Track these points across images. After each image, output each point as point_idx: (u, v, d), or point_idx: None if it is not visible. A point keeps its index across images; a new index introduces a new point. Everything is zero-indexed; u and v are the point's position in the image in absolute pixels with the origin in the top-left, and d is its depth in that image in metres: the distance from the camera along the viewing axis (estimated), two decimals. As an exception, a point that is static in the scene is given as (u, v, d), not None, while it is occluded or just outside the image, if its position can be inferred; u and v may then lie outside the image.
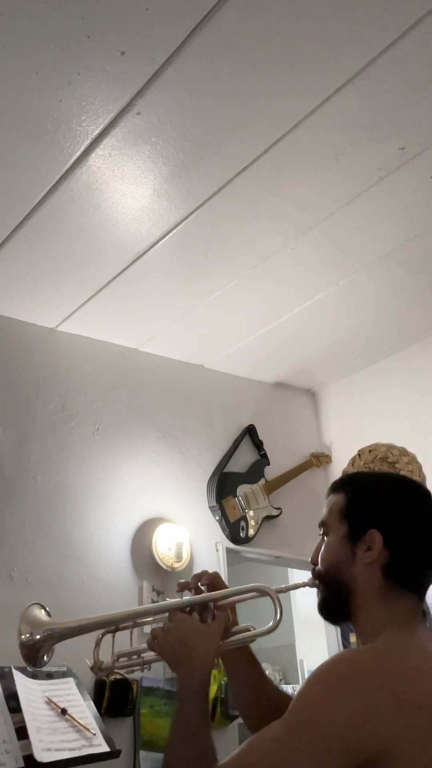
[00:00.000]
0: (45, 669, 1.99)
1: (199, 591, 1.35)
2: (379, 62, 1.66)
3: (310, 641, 3.19)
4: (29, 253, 2.25)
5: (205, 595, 1.33)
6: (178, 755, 1.12)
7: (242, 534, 2.88)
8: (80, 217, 2.11)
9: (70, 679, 2.01)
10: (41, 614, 1.33)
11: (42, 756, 1.65)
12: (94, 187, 2.00)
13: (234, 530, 2.85)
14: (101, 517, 2.55)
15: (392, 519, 1.22)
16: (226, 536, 2.84)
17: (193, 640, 1.22)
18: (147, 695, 2.36)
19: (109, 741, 1.86)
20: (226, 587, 1.39)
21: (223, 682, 2.46)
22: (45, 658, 1.30)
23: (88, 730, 1.83)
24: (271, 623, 1.27)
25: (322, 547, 1.28)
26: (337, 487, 1.32)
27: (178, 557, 2.60)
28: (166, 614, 1.29)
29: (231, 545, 2.84)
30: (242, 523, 2.89)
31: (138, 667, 1.33)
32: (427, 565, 1.22)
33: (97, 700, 2.20)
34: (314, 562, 1.29)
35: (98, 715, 1.96)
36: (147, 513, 2.66)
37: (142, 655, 1.33)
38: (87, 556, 2.46)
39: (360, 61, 1.66)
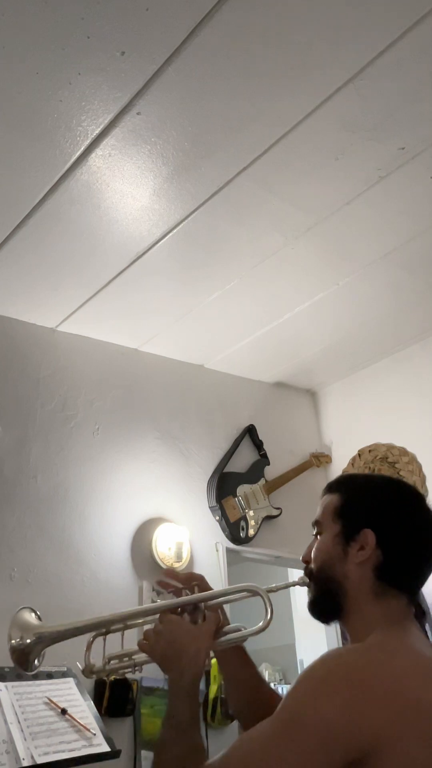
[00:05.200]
0: (45, 669, 2.00)
1: (192, 590, 1.35)
2: (379, 62, 1.66)
3: (310, 641, 3.18)
4: (29, 253, 2.25)
5: (196, 595, 1.33)
6: (169, 754, 1.13)
7: (242, 534, 2.88)
8: (80, 217, 2.11)
9: (70, 679, 2.01)
10: (31, 618, 1.33)
11: (40, 759, 1.66)
12: (94, 187, 2.00)
13: (234, 530, 2.85)
14: (101, 517, 2.55)
15: (386, 520, 1.22)
16: (226, 536, 2.84)
17: (184, 641, 1.22)
18: (147, 695, 2.36)
19: (109, 741, 1.86)
20: (212, 589, 1.39)
21: (222, 683, 2.46)
22: (36, 662, 1.29)
23: (88, 730, 1.83)
24: (261, 623, 1.27)
25: (315, 546, 1.28)
26: (333, 487, 1.33)
27: (178, 557, 2.60)
28: (157, 616, 1.29)
29: (231, 545, 2.85)
30: (242, 523, 2.89)
31: (130, 669, 1.33)
32: (419, 567, 1.22)
33: (97, 700, 2.20)
34: (306, 561, 1.29)
35: (98, 715, 1.95)
36: (147, 513, 2.66)
37: (133, 657, 1.33)
38: (87, 556, 2.46)
39: (360, 61, 1.66)
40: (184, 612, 1.29)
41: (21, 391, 2.54)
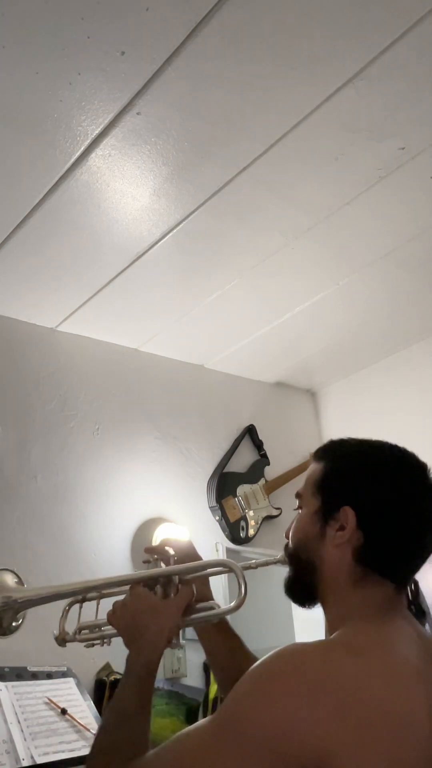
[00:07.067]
0: (45, 669, 2.00)
1: (167, 560, 1.30)
2: (379, 62, 1.66)
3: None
4: (29, 253, 2.25)
5: (170, 568, 1.27)
6: (106, 741, 1.05)
7: (242, 534, 2.88)
8: (80, 217, 2.11)
9: (70, 679, 2.02)
10: (7, 580, 1.31)
11: (40, 759, 1.66)
12: (94, 187, 2.00)
13: (234, 530, 2.85)
14: (101, 517, 2.55)
15: (369, 496, 1.07)
16: (226, 536, 2.84)
17: (147, 616, 1.15)
18: (147, 695, 2.35)
19: (109, 741, 1.86)
20: (200, 559, 1.33)
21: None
22: (13, 624, 1.27)
23: (88, 730, 1.83)
24: (234, 602, 1.19)
25: (294, 521, 1.19)
26: (318, 455, 1.20)
27: (178, 557, 2.60)
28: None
29: (231, 545, 2.84)
30: (242, 523, 2.89)
31: (99, 641, 1.29)
32: (407, 552, 1.08)
33: (97, 700, 2.20)
34: (287, 536, 1.20)
35: (98, 715, 1.96)
36: (147, 513, 2.66)
37: (102, 628, 1.29)
38: (87, 555, 2.46)
39: (360, 61, 1.66)
40: (157, 584, 1.22)
41: (21, 391, 2.54)
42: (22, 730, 1.73)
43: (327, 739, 0.86)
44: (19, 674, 1.93)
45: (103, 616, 1.27)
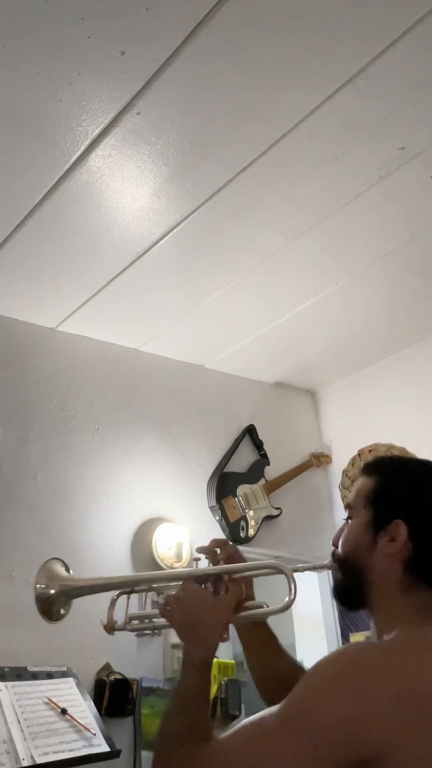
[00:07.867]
0: (45, 669, 2.00)
1: (216, 560, 1.38)
2: (379, 62, 1.66)
3: (310, 641, 3.18)
4: (29, 253, 2.25)
5: (221, 566, 1.34)
6: (171, 727, 1.12)
7: (242, 534, 2.88)
8: (80, 217, 2.11)
9: (70, 679, 2.02)
10: (60, 569, 1.38)
11: (40, 759, 1.66)
12: (94, 187, 2.00)
13: (234, 530, 2.85)
14: (101, 517, 2.55)
15: (421, 511, 1.17)
16: (226, 536, 2.83)
17: (202, 612, 1.22)
18: (147, 695, 2.35)
19: (109, 741, 1.86)
20: (244, 561, 1.40)
21: (223, 682, 2.46)
22: (62, 611, 1.35)
23: (88, 730, 1.84)
24: (285, 601, 1.27)
25: (344, 531, 1.25)
26: (369, 469, 1.28)
27: (178, 557, 2.60)
28: (180, 582, 1.31)
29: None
30: (242, 523, 2.89)
31: (149, 632, 1.37)
32: None
33: (97, 700, 2.20)
34: (335, 544, 1.26)
35: (98, 715, 1.96)
36: (147, 513, 2.66)
37: (153, 619, 1.36)
38: (87, 556, 2.46)
39: (360, 61, 1.66)
40: (207, 582, 1.29)
41: (21, 391, 2.54)
42: (22, 730, 1.73)
43: (385, 729, 0.94)
44: (19, 674, 1.93)
45: (148, 607, 1.36)
